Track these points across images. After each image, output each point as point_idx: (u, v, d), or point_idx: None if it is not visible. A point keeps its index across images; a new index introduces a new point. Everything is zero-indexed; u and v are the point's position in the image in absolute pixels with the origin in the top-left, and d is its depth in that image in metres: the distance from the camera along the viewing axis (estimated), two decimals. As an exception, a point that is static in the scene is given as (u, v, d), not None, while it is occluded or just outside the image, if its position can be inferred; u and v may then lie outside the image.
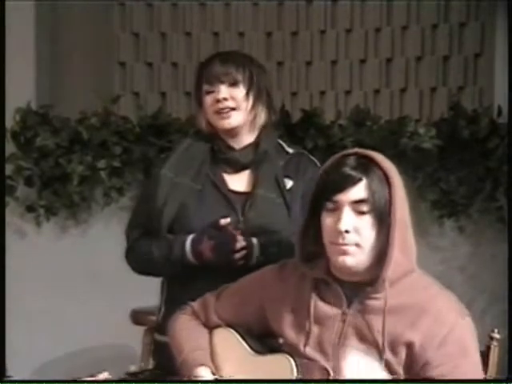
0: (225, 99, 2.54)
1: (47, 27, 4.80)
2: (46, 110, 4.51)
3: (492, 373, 2.28)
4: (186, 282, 2.62)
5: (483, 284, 4.22)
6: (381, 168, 2.00)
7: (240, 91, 2.57)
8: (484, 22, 4.61)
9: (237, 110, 2.57)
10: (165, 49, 4.82)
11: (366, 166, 2.00)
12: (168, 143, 4.34)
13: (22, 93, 4.60)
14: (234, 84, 2.56)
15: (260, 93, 2.61)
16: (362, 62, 4.63)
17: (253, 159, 2.64)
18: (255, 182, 2.63)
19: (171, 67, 4.79)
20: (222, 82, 2.55)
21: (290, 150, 2.73)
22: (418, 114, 4.54)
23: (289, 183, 2.61)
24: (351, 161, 2.02)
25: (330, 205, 2.00)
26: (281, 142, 2.77)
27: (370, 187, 1.98)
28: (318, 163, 2.69)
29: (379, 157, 2.05)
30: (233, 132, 2.60)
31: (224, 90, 2.55)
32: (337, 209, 1.99)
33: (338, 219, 1.98)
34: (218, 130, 2.62)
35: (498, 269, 4.31)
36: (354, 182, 1.98)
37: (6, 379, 2.65)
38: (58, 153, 4.45)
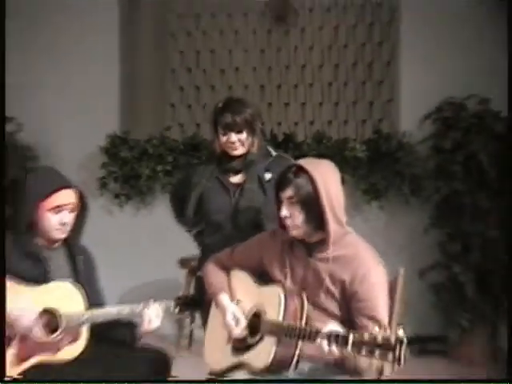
0: (233, 142, 2.74)
1: (126, 78, 5.05)
2: (125, 135, 4.86)
3: (397, 299, 2.24)
4: (212, 238, 2.85)
5: (394, 241, 4.48)
6: (307, 173, 2.12)
7: (243, 135, 2.74)
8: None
9: (241, 145, 2.76)
10: (199, 96, 5.12)
11: (297, 173, 2.14)
12: (200, 154, 4.69)
13: (110, 123, 4.86)
14: (239, 131, 2.73)
15: (255, 130, 2.77)
16: (320, 104, 5.04)
17: (243, 166, 2.80)
18: (245, 179, 2.79)
19: (202, 108, 5.10)
20: (232, 131, 2.73)
21: (274, 153, 2.88)
22: (355, 135, 4.93)
23: (268, 176, 2.75)
24: (290, 170, 2.17)
25: (278, 199, 2.20)
26: (270, 148, 2.91)
27: (296, 187, 2.13)
28: (291, 158, 2.89)
29: (309, 165, 2.16)
30: (236, 155, 2.80)
31: (233, 136, 2.73)
32: (281, 201, 2.19)
33: (280, 209, 2.18)
34: (227, 153, 2.80)
35: (403, 230, 4.66)
36: (287, 184, 2.15)
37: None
38: (133, 161, 4.79)
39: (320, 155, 4.38)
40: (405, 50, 4.78)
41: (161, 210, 4.82)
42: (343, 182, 2.24)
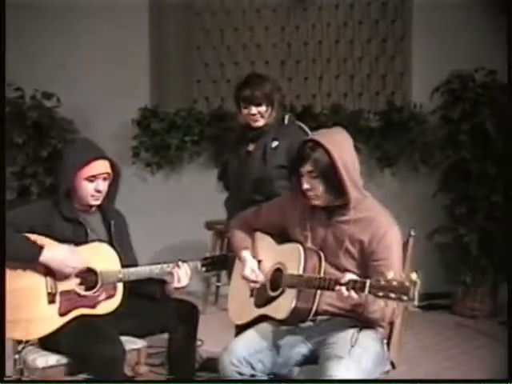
0: (254, 114, 2.74)
1: (156, 56, 5.04)
2: (155, 108, 4.87)
3: (408, 257, 2.24)
4: (229, 203, 2.92)
5: (405, 205, 4.34)
6: (323, 147, 2.08)
7: (262, 108, 2.73)
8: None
9: (261, 117, 2.76)
10: (224, 72, 5.03)
11: (313, 148, 2.10)
12: (225, 126, 4.69)
13: (141, 97, 4.89)
14: (259, 104, 2.72)
15: (273, 103, 2.75)
16: (337, 78, 4.91)
17: (257, 135, 2.79)
18: (255, 147, 2.80)
19: (226, 83, 5.01)
20: (252, 103, 2.72)
21: (286, 122, 2.83)
22: (369, 107, 4.82)
23: (275, 143, 2.74)
24: (306, 145, 2.13)
25: (298, 173, 2.16)
26: (286, 117, 2.85)
27: (314, 162, 2.09)
28: (305, 127, 2.82)
29: (323, 138, 2.11)
30: (257, 127, 2.78)
31: (253, 109, 2.73)
32: (301, 176, 2.14)
33: (301, 183, 2.14)
34: (249, 125, 2.80)
35: (413, 195, 4.62)
36: (306, 159, 2.11)
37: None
38: (163, 132, 4.82)
39: (336, 125, 4.21)
40: (417, 27, 4.73)
41: (189, 178, 4.96)
42: (358, 150, 2.19)
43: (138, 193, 4.65)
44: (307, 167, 2.11)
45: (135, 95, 4.86)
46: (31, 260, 2.28)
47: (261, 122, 2.77)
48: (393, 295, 1.78)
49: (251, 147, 2.84)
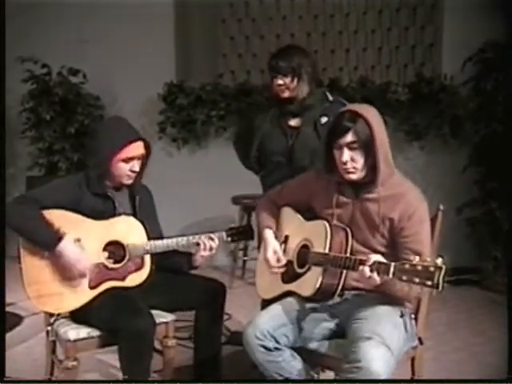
0: (280, 85, 2.71)
1: (180, 31, 5.00)
2: (180, 83, 4.87)
3: (436, 233, 2.21)
4: (271, 179, 2.79)
5: (434, 179, 4.42)
6: (363, 118, 2.05)
7: (287, 79, 2.70)
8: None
9: (286, 88, 2.72)
10: (249, 46, 4.99)
11: (354, 119, 2.06)
12: (251, 100, 4.72)
13: (167, 72, 4.89)
14: (285, 75, 2.69)
15: (301, 76, 2.70)
16: (364, 50, 4.83)
17: (300, 109, 2.74)
18: (303, 122, 2.74)
19: (252, 56, 4.99)
20: (279, 73, 2.70)
21: (331, 98, 2.80)
22: (397, 79, 4.74)
23: (324, 119, 2.70)
24: (345, 116, 2.08)
25: (336, 145, 2.10)
26: (327, 93, 2.83)
27: (356, 133, 2.04)
28: (346, 103, 2.69)
29: (362, 110, 2.08)
30: (285, 98, 2.74)
31: (280, 80, 2.71)
32: (340, 147, 2.08)
33: (341, 154, 2.08)
34: (278, 96, 2.75)
35: (442, 169, 4.63)
36: (347, 130, 2.05)
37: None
38: (189, 107, 4.82)
39: (364, 98, 4.40)
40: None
41: (215, 152, 4.97)
42: (386, 124, 2.15)
43: (164, 168, 4.67)
44: (348, 138, 2.06)
45: (161, 70, 4.86)
46: (48, 249, 2.32)
47: (286, 94, 2.74)
48: (417, 280, 1.76)
49: (294, 122, 2.79)
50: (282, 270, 2.29)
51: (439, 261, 1.74)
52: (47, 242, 2.30)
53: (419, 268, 1.76)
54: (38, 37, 4.97)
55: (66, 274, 2.34)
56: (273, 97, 2.82)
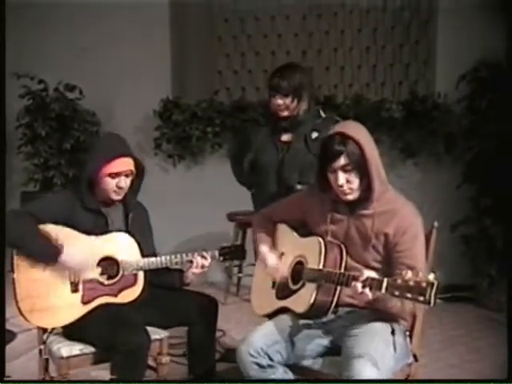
0: (279, 105, 2.75)
1: (176, 48, 5.04)
2: (176, 99, 4.88)
3: (431, 249, 2.21)
4: (261, 193, 2.85)
5: (428, 196, 4.35)
6: (353, 139, 2.06)
7: (288, 99, 2.74)
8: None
9: (286, 108, 2.76)
10: (244, 62, 5.01)
11: (344, 141, 2.06)
12: (246, 116, 4.71)
13: (163, 88, 4.89)
14: (286, 95, 2.72)
15: (301, 96, 2.73)
16: (359, 67, 4.87)
17: (292, 125, 2.78)
18: (293, 137, 2.78)
19: (247, 73, 5.02)
20: (279, 93, 2.73)
21: (323, 115, 2.84)
22: (392, 96, 4.76)
23: (314, 134, 2.73)
24: (335, 139, 2.08)
25: (330, 169, 2.10)
26: (320, 110, 2.85)
27: (348, 155, 2.05)
28: (340, 120, 2.68)
29: (351, 131, 2.08)
30: (283, 116, 2.78)
31: (279, 100, 2.74)
32: (334, 171, 2.09)
33: (336, 178, 2.09)
34: (276, 114, 2.79)
35: (436, 186, 4.62)
36: (339, 154, 2.06)
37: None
38: (184, 124, 4.81)
39: (358, 116, 4.37)
40: (442, 13, 4.65)
41: (210, 169, 4.97)
42: (379, 141, 2.20)
43: (159, 184, 4.65)
44: (341, 161, 2.07)
45: (157, 86, 4.88)
46: (50, 262, 2.32)
47: (285, 113, 2.77)
48: (409, 295, 1.76)
49: (286, 137, 2.81)
50: (282, 275, 2.28)
51: (431, 276, 1.74)
52: (49, 255, 2.30)
53: (411, 284, 1.76)
54: (35, 52, 4.97)
55: (72, 279, 2.34)
56: (269, 114, 2.83)
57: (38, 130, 4.69)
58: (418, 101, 4.58)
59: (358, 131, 2.10)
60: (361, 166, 2.06)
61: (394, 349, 2.05)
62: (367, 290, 1.88)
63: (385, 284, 1.83)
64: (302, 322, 2.19)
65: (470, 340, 3.66)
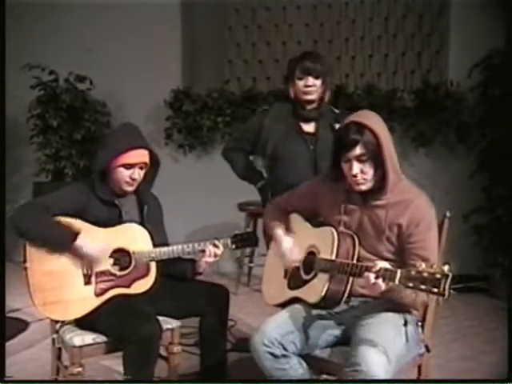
0: (309, 85, 2.73)
1: (187, 38, 5.04)
2: (187, 89, 4.89)
3: (443, 239, 2.20)
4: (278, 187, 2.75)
5: (440, 186, 4.40)
6: (369, 128, 2.02)
7: (319, 81, 2.74)
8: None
9: (316, 90, 2.75)
10: (255, 52, 5.02)
11: (360, 130, 2.03)
12: (256, 106, 4.58)
13: (173, 79, 4.90)
14: (317, 77, 2.73)
15: (327, 82, 2.78)
16: (370, 56, 4.85)
17: (316, 115, 2.79)
18: (318, 127, 2.78)
19: (258, 63, 5.01)
20: (310, 74, 2.73)
21: (337, 111, 2.88)
22: (404, 86, 4.75)
23: (337, 125, 2.65)
24: (351, 128, 2.05)
25: (344, 159, 2.08)
26: (331, 107, 2.89)
27: (364, 145, 2.02)
28: None
29: (367, 120, 2.05)
30: (310, 100, 2.78)
31: (311, 80, 2.72)
32: (348, 160, 2.06)
33: (350, 168, 2.06)
34: (301, 98, 2.77)
35: (448, 175, 4.61)
36: (355, 143, 2.03)
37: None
38: (195, 114, 4.83)
39: (370, 105, 4.35)
40: (455, 1, 4.61)
41: (221, 158, 4.65)
42: (392, 131, 2.13)
43: (170, 174, 4.42)
44: (357, 151, 2.04)
45: (167, 77, 4.87)
46: (65, 249, 2.32)
47: (314, 96, 2.76)
48: (423, 287, 1.74)
49: (308, 127, 2.80)
50: (296, 259, 2.26)
51: (446, 268, 1.72)
52: (64, 241, 2.29)
53: (425, 275, 1.74)
54: (46, 43, 4.99)
55: (86, 266, 2.34)
56: (292, 101, 2.79)
57: (49, 121, 4.71)
58: (431, 89, 4.54)
59: (373, 120, 2.07)
60: (376, 156, 2.03)
61: (406, 339, 2.04)
62: (380, 281, 1.87)
63: (398, 275, 1.81)
64: (314, 312, 2.18)
65: (483, 331, 3.64)
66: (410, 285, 1.77)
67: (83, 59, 4.87)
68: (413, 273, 1.78)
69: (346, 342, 2.12)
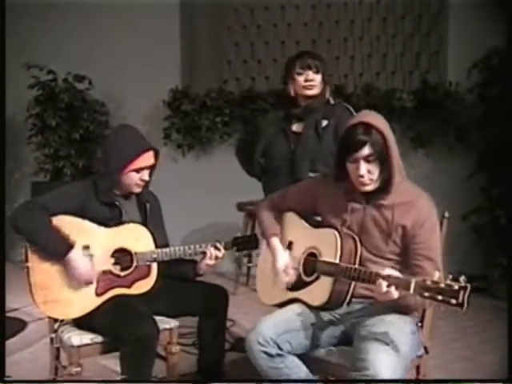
0: (309, 80, 2.74)
1: (186, 38, 5.05)
2: (185, 89, 4.89)
3: (442, 239, 2.16)
4: (272, 184, 2.78)
5: (439, 186, 4.22)
6: (377, 129, 2.00)
7: (319, 76, 2.76)
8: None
9: (316, 85, 2.76)
10: (254, 52, 5.03)
11: (368, 131, 1.99)
12: (255, 106, 4.71)
13: (172, 78, 4.90)
14: (317, 72, 2.75)
15: (325, 79, 2.78)
16: (369, 56, 4.86)
17: (305, 113, 2.77)
18: (304, 127, 2.77)
19: (257, 63, 5.02)
20: (310, 69, 2.74)
21: (332, 102, 2.83)
22: (402, 86, 4.76)
23: (324, 122, 2.74)
24: (359, 128, 2.01)
25: (351, 159, 2.04)
26: (330, 98, 2.84)
27: (372, 145, 1.99)
28: (350, 108, 2.79)
29: (374, 120, 2.03)
30: (310, 96, 2.76)
31: (311, 74, 2.74)
32: (355, 161, 2.02)
33: (357, 168, 2.02)
34: (301, 94, 2.77)
35: (447, 176, 4.60)
36: (363, 144, 1.99)
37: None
38: (193, 113, 4.83)
39: (368, 105, 4.34)
40: (453, 2, 4.62)
41: (219, 158, 4.97)
42: (393, 131, 2.10)
43: (169, 174, 4.55)
44: (365, 151, 2.00)
45: (166, 76, 4.87)
46: (56, 259, 2.31)
47: (314, 91, 2.76)
48: (440, 297, 1.70)
49: (297, 127, 2.81)
50: (291, 281, 2.24)
51: (462, 279, 1.69)
52: (57, 252, 2.29)
53: (442, 286, 1.71)
54: (44, 43, 4.99)
55: (72, 281, 2.33)
56: (284, 99, 2.81)
57: (47, 121, 4.70)
58: (430, 90, 4.54)
59: (379, 121, 2.05)
60: (383, 156, 2.01)
61: (409, 339, 2.02)
62: (393, 289, 1.84)
63: (413, 284, 1.78)
64: (313, 312, 2.16)
65: (482, 331, 3.64)
66: (426, 295, 1.74)
67: (82, 59, 4.86)
68: (428, 283, 1.74)
69: (345, 342, 2.11)
